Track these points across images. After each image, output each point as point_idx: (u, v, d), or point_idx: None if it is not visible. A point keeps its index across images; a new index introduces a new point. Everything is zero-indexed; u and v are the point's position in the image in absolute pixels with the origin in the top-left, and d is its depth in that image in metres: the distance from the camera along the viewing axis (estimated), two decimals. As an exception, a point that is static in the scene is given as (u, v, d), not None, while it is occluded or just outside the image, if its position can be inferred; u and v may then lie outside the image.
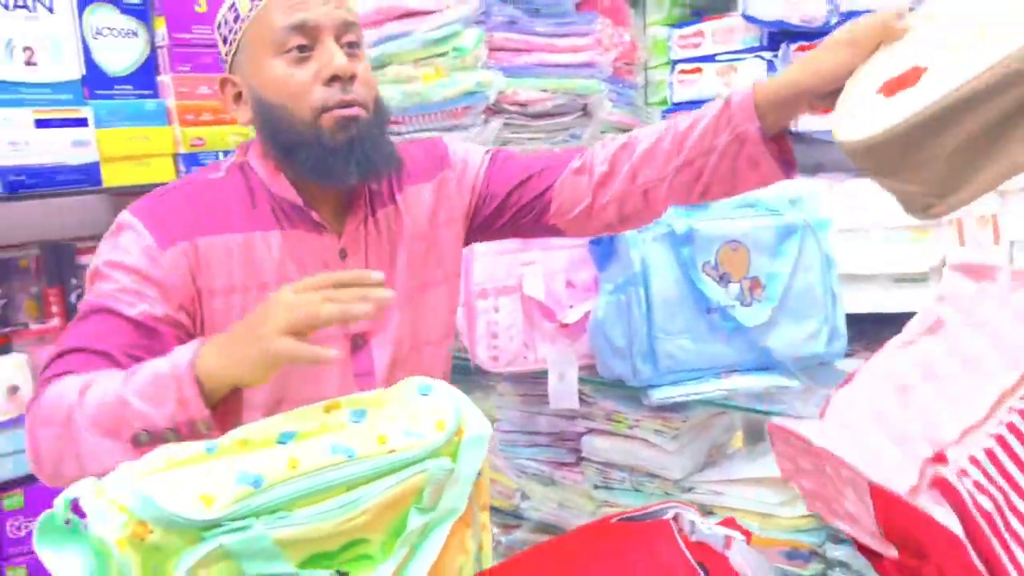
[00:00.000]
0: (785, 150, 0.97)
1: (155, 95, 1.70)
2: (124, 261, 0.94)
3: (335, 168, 0.97)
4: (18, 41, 1.49)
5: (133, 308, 0.91)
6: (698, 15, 2.74)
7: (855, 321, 1.50)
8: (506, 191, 1.13)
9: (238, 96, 1.02)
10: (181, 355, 0.82)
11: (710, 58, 2.56)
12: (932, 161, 0.69)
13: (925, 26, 0.79)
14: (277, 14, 0.95)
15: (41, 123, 1.52)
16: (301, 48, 0.95)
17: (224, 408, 0.84)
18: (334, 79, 0.95)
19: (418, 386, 0.86)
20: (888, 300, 2.09)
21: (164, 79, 1.70)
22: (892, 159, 0.71)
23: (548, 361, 1.56)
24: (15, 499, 1.58)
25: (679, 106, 2.64)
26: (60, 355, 0.90)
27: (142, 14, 1.70)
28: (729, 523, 0.67)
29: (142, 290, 0.93)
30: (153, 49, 1.72)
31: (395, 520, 0.77)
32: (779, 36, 2.36)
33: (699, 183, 0.99)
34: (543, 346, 1.60)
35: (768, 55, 2.40)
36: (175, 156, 1.71)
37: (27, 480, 1.56)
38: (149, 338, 0.92)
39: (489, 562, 0.89)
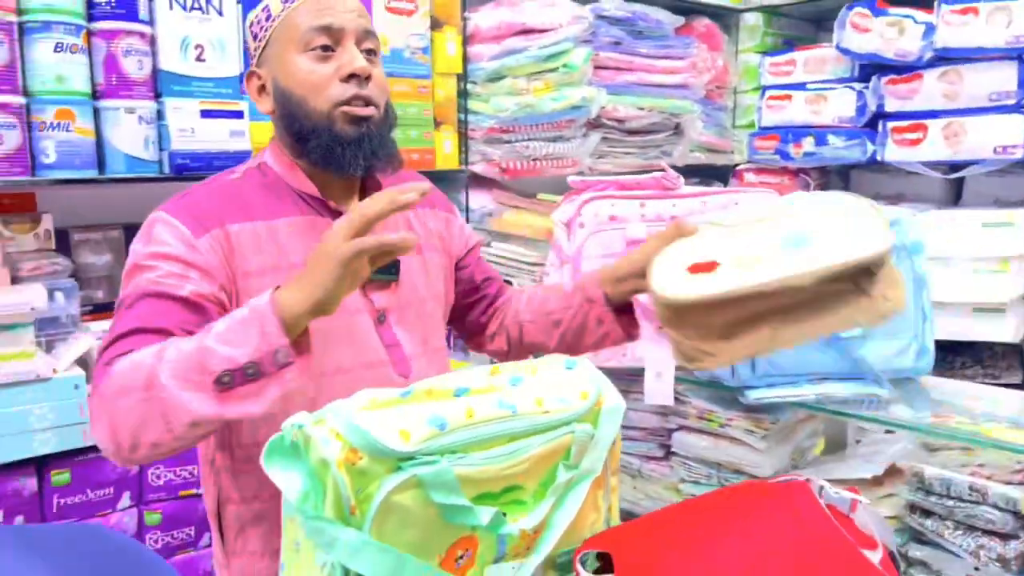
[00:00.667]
0: (628, 318, 1.27)
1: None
2: (164, 251, 0.99)
3: (343, 157, 1.05)
4: (192, 39, 1.67)
5: (181, 289, 0.97)
6: (790, 44, 2.83)
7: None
8: (479, 279, 1.32)
9: (262, 88, 1.10)
10: (260, 297, 0.89)
11: (800, 86, 2.64)
12: (708, 327, 1.02)
13: (714, 229, 1.11)
14: (305, 16, 1.05)
15: (205, 113, 1.69)
16: (324, 48, 1.05)
17: (299, 345, 0.90)
18: (352, 77, 1.04)
19: (564, 362, 0.97)
20: (966, 328, 2.15)
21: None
22: (685, 317, 1.03)
23: (646, 360, 1.66)
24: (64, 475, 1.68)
25: (766, 130, 2.73)
26: (116, 339, 0.94)
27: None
28: (852, 491, 0.77)
29: (186, 273, 0.98)
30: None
31: (546, 473, 0.87)
32: (870, 68, 2.44)
33: (558, 330, 1.25)
34: (640, 345, 1.70)
35: (858, 86, 2.48)
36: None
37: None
38: (199, 315, 0.97)
39: (616, 521, 0.99)
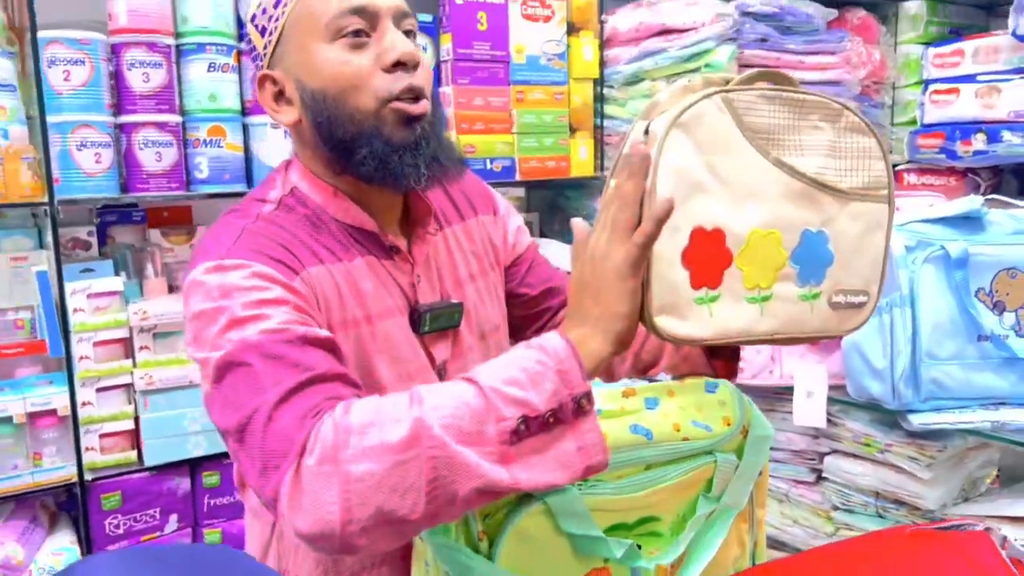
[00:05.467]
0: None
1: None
2: (265, 297, 0.77)
3: (400, 168, 0.85)
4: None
5: (318, 330, 0.77)
6: (957, 34, 2.61)
7: None
8: (537, 291, 1.08)
9: (279, 95, 0.89)
10: (543, 338, 0.71)
11: (970, 78, 2.43)
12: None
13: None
14: None
15: (347, 127, 1.74)
16: (357, 32, 0.84)
17: None
18: (397, 65, 0.84)
19: (705, 383, 0.91)
20: None
21: (446, 90, 1.87)
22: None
23: (795, 378, 1.56)
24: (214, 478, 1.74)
25: (930, 127, 2.52)
26: (292, 392, 0.71)
27: (432, 31, 1.89)
28: (1040, 541, 0.67)
29: (306, 317, 0.78)
30: (438, 62, 1.90)
31: (684, 504, 0.82)
32: (1051, 57, 2.21)
33: (631, 349, 0.98)
34: (790, 361, 1.60)
35: (1037, 77, 2.25)
36: (449, 160, 1.88)
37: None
38: (343, 361, 0.77)
39: (763, 558, 0.92)
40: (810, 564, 0.81)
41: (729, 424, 0.85)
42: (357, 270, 0.88)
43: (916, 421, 1.36)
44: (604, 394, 0.83)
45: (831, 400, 1.53)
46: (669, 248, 0.69)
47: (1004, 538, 0.68)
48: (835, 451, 1.60)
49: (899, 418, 1.40)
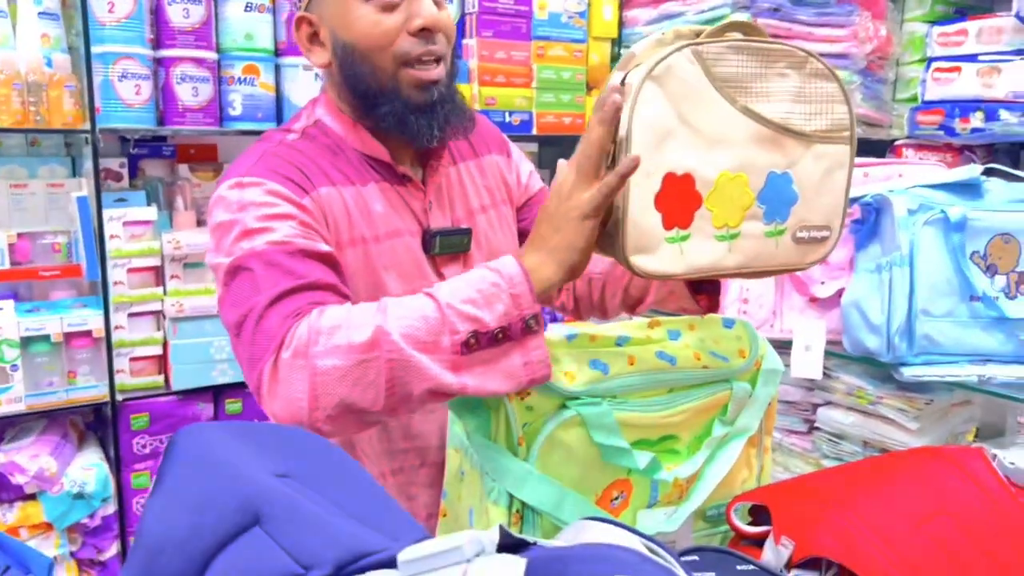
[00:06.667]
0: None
1: (459, 56, 1.91)
2: (274, 212, 0.86)
3: (416, 127, 0.93)
4: None
5: (319, 245, 0.85)
6: (962, 13, 2.65)
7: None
8: None
9: (313, 36, 0.95)
10: (500, 262, 0.78)
11: (972, 58, 2.48)
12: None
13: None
14: None
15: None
16: None
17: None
18: (422, 30, 0.91)
19: (722, 319, 0.97)
20: None
21: (469, 42, 1.92)
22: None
23: (795, 331, 1.63)
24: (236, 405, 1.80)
25: (930, 104, 2.58)
26: (281, 297, 0.80)
27: (459, -17, 1.94)
28: (1026, 463, 0.75)
29: (310, 232, 0.87)
30: (463, 15, 1.95)
31: (701, 426, 0.89)
32: (1050, 39, 2.26)
33: (622, 283, 1.07)
34: (790, 316, 1.68)
35: (1037, 58, 2.30)
36: (470, 111, 1.92)
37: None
38: (342, 276, 0.87)
39: (768, 481, 1.00)
40: (813, 479, 0.88)
41: (744, 356, 0.91)
42: (369, 193, 0.95)
43: (908, 373, 1.44)
44: (631, 325, 0.89)
45: (827, 354, 1.61)
46: (643, 193, 0.73)
47: (995, 456, 0.76)
48: (828, 403, 1.69)
49: (892, 370, 1.48)
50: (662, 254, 0.75)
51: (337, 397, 0.74)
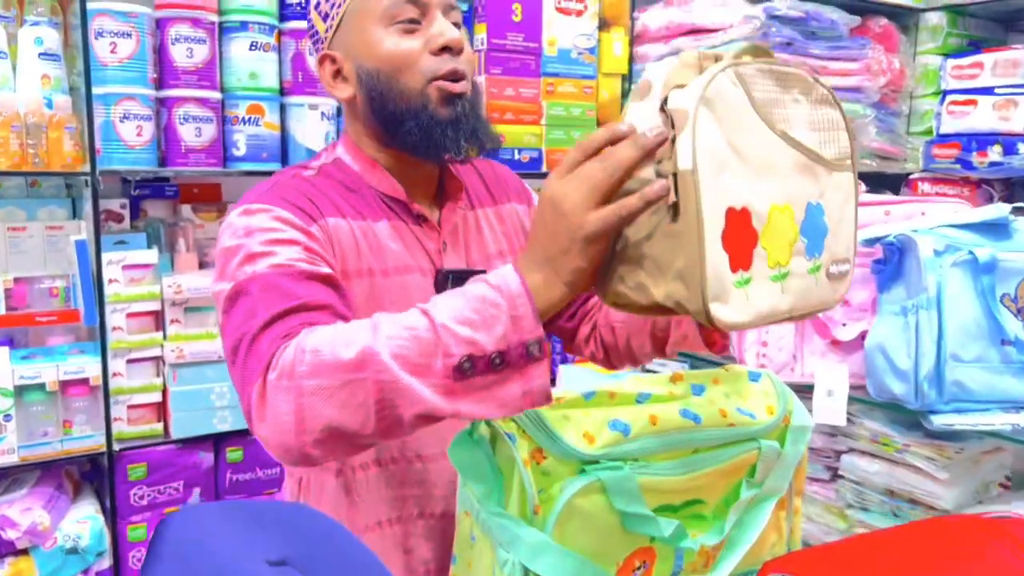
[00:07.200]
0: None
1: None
2: (279, 238, 0.86)
3: (443, 140, 0.95)
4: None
5: (321, 267, 0.85)
6: (976, 46, 2.63)
7: None
8: None
9: (337, 73, 0.99)
10: (502, 276, 0.72)
11: (988, 90, 2.45)
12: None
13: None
14: None
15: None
16: (411, 20, 0.94)
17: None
18: (444, 49, 0.94)
19: (748, 372, 0.93)
20: None
21: (479, 79, 1.89)
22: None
23: (816, 376, 1.58)
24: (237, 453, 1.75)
25: (946, 137, 2.54)
26: (276, 319, 0.78)
27: (467, 20, 1.91)
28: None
29: (314, 257, 0.87)
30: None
31: (728, 489, 0.83)
32: (1069, 72, 2.23)
33: (647, 328, 1.03)
34: (811, 360, 1.63)
35: (1056, 91, 2.27)
36: (478, 149, 1.90)
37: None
38: (344, 298, 0.85)
39: (798, 545, 0.94)
40: (846, 548, 0.83)
41: (772, 413, 0.87)
42: (380, 229, 0.96)
43: (938, 421, 1.38)
44: (652, 379, 0.85)
45: (850, 399, 1.55)
46: (713, 233, 0.64)
47: (1045, 527, 0.71)
48: (852, 450, 1.62)
49: (921, 418, 1.42)
50: (734, 302, 0.66)
51: (324, 419, 0.71)
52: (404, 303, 0.88)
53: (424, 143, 0.95)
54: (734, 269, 0.65)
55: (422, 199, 1.01)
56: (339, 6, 0.97)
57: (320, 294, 0.82)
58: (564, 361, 2.16)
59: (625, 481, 0.75)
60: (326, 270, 0.85)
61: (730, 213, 0.65)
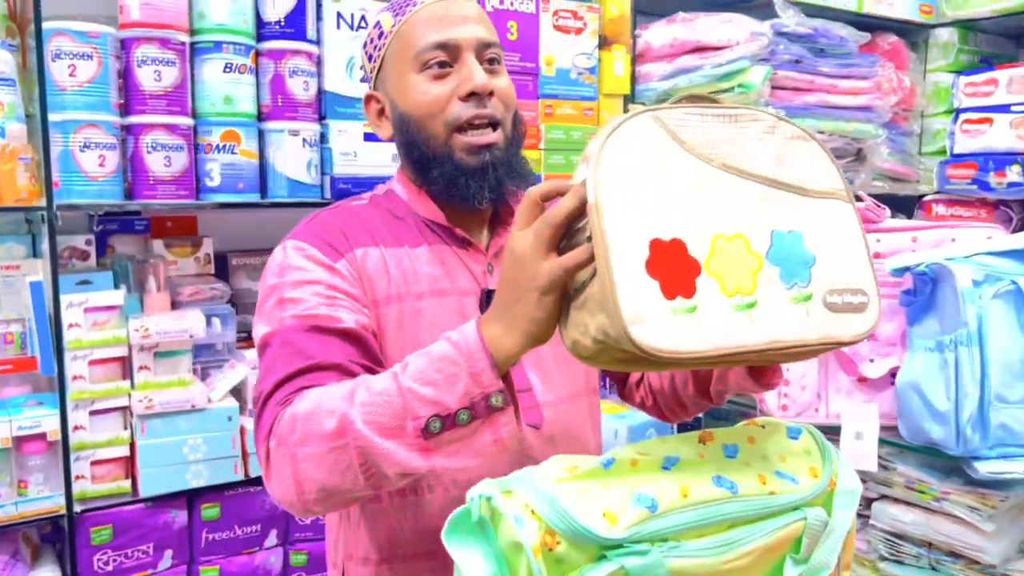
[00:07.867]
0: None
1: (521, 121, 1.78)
2: (304, 278, 0.91)
3: (467, 189, 0.95)
4: (358, 59, 1.62)
5: (338, 321, 0.89)
6: (988, 63, 2.55)
7: None
8: None
9: (381, 112, 1.02)
10: (463, 333, 0.77)
11: (1004, 108, 2.36)
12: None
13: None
14: (419, 30, 0.96)
15: (369, 136, 1.64)
16: (442, 64, 0.95)
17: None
18: (471, 95, 0.94)
19: (787, 428, 0.81)
20: None
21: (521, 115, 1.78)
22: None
23: (843, 417, 1.46)
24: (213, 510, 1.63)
25: (961, 157, 2.45)
26: (285, 380, 0.85)
27: (458, 40, 1.80)
28: None
29: (335, 303, 0.91)
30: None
31: (770, 567, 0.73)
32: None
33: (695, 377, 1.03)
34: (837, 399, 1.50)
35: (1078, 107, 2.18)
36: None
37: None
38: (361, 348, 0.89)
39: (849, 627, 0.82)
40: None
41: (816, 476, 0.77)
42: (418, 255, 0.98)
43: (984, 469, 1.26)
44: (678, 440, 0.76)
45: (882, 442, 1.43)
46: (630, 262, 0.67)
47: None
48: (884, 496, 1.50)
49: (963, 465, 1.30)
50: (670, 327, 0.66)
51: (318, 482, 0.79)
52: (438, 326, 0.94)
53: (447, 192, 0.97)
54: (670, 296, 0.66)
55: (470, 223, 1.02)
56: (381, 48, 0.99)
57: (333, 351, 0.87)
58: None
59: (653, 568, 0.65)
60: (342, 323, 0.89)
61: (655, 244, 0.67)
